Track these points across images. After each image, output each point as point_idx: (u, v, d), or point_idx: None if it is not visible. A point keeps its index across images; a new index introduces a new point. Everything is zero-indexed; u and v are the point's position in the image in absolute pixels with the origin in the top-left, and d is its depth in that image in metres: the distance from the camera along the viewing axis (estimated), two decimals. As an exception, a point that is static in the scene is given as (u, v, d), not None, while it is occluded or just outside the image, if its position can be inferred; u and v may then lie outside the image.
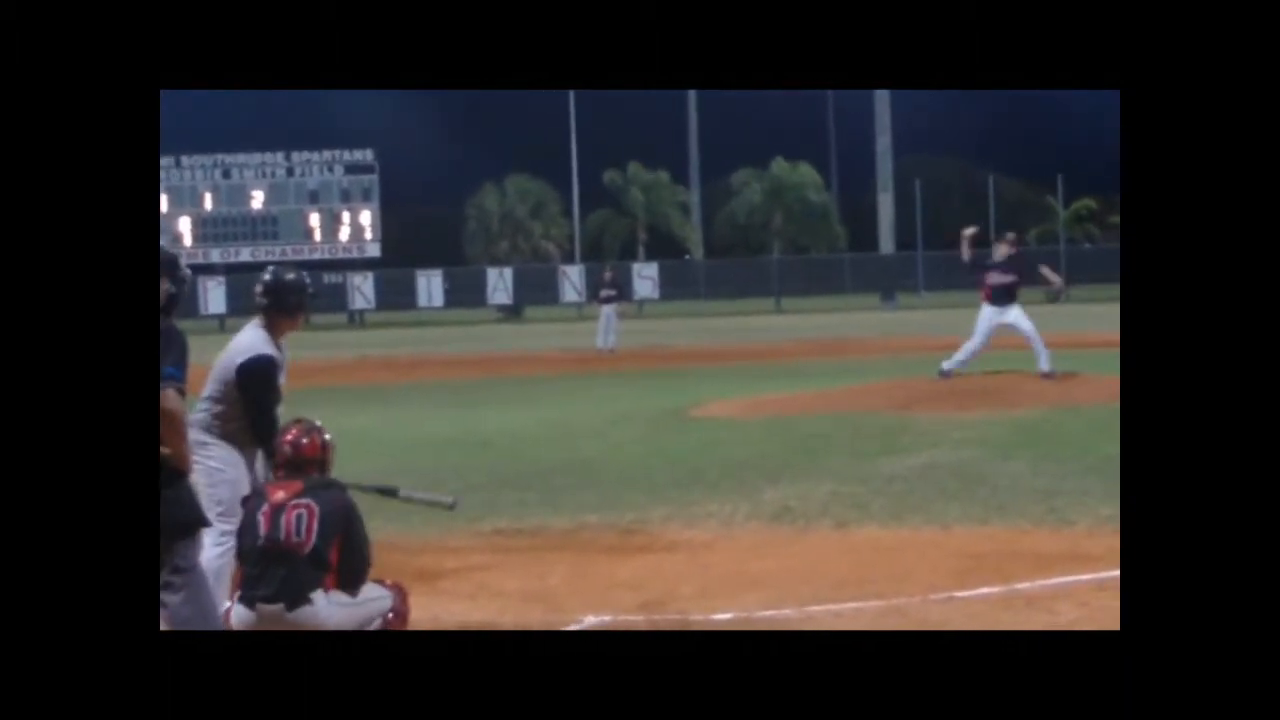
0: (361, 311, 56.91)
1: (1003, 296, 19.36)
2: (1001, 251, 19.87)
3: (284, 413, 7.15)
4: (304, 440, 6.53)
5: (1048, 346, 19.23)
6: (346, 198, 58.08)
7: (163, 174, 53.85)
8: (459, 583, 8.54)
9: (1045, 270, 21.49)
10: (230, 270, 55.06)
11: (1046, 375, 18.99)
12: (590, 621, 7.42)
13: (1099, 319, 40.45)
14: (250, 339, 7.30)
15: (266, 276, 7.49)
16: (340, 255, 57.84)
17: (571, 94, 62.77)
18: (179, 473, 5.85)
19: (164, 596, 5.73)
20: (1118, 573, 8.02)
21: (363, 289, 57.04)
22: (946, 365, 19.46)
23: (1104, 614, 7.23)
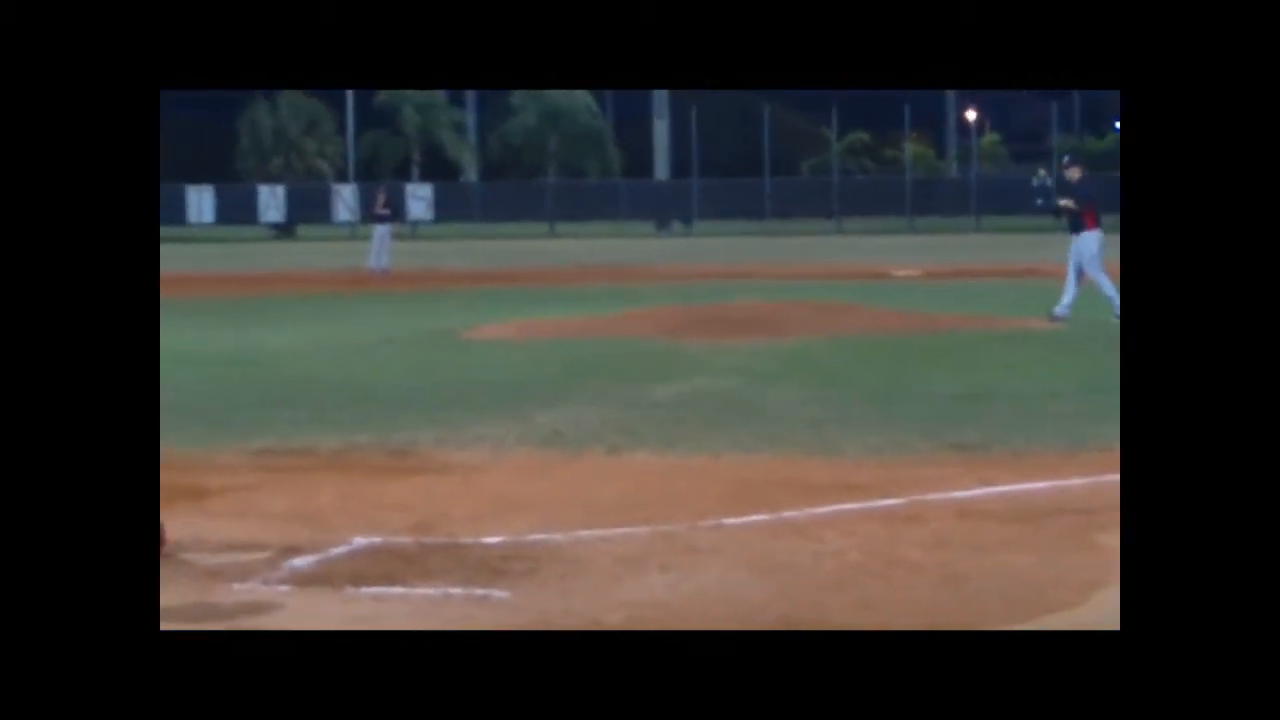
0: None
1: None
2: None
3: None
4: None
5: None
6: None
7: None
8: (227, 502, 8.41)
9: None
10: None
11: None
12: (360, 543, 7.34)
13: (872, 250, 41.14)
14: None
15: None
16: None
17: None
18: None
19: None
20: (887, 501, 8.26)
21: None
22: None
23: (871, 542, 7.36)
